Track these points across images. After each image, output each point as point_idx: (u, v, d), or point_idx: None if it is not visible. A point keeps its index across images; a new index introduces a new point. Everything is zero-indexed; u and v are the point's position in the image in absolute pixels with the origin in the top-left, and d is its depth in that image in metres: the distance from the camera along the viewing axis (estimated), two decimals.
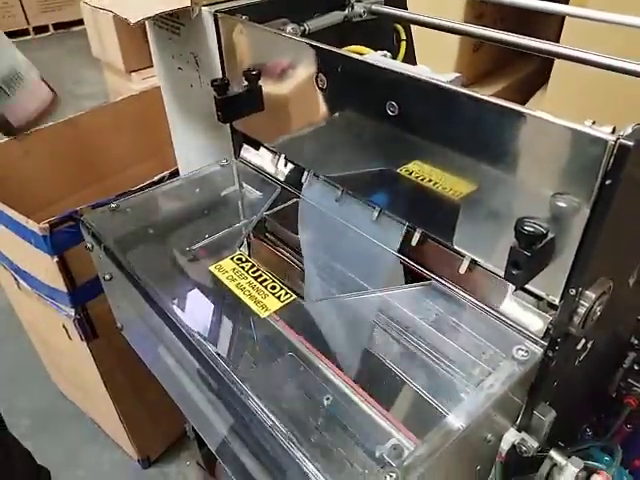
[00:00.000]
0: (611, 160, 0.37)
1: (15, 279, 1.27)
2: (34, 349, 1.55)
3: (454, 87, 0.45)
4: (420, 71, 0.49)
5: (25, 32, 4.39)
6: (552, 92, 1.49)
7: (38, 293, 1.19)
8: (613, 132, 0.37)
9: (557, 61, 1.45)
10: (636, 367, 0.72)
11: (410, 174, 0.56)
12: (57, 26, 4.47)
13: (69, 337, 1.21)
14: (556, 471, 0.55)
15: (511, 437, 0.51)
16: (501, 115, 0.43)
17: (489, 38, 0.69)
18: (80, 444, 1.49)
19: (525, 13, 1.56)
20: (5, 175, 1.29)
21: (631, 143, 0.35)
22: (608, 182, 0.37)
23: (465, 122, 0.46)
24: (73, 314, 1.13)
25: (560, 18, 1.39)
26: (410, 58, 0.83)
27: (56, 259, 1.04)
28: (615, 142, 0.36)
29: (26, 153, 1.32)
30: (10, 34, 4.30)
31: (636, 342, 0.73)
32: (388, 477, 0.36)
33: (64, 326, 1.20)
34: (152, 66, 0.90)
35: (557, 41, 1.23)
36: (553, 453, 0.54)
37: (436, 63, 0.64)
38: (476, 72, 1.91)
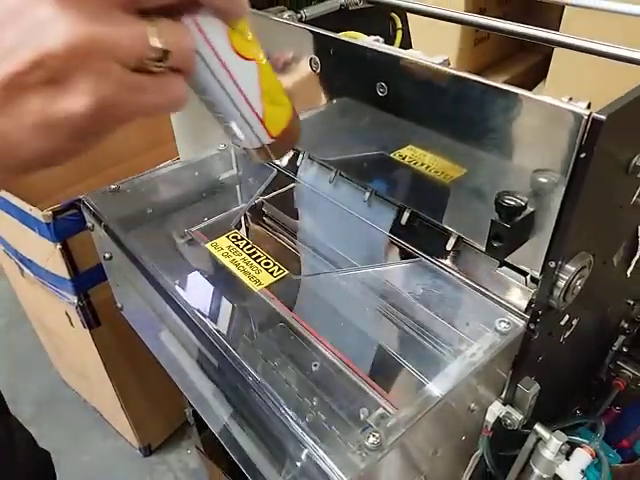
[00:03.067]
0: (585, 134, 0.38)
1: (19, 267, 1.28)
2: (37, 337, 1.57)
3: (434, 65, 0.47)
4: (409, 54, 0.51)
5: None
6: (551, 83, 1.50)
7: (41, 280, 1.20)
8: (588, 107, 0.39)
9: (555, 53, 1.46)
10: (625, 349, 0.74)
11: (403, 159, 0.57)
12: None
13: (71, 324, 1.23)
14: (541, 445, 0.56)
15: (496, 410, 0.53)
16: (483, 93, 0.44)
17: (487, 26, 0.69)
18: (82, 432, 1.51)
19: (528, 12, 1.56)
20: None
21: (603, 117, 0.37)
22: (582, 155, 0.39)
23: (448, 101, 0.48)
24: (75, 301, 1.14)
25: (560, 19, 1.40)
26: (406, 47, 0.84)
27: (59, 246, 1.06)
28: (589, 116, 0.38)
29: None
30: None
31: (626, 325, 0.75)
32: (371, 437, 0.38)
33: (67, 313, 1.21)
34: None
35: None
36: (537, 427, 0.56)
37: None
38: (476, 66, 1.92)
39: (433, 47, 0.96)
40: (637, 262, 0.62)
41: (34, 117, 0.26)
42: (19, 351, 1.71)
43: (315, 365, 0.45)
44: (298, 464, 0.40)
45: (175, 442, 1.50)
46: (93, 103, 0.26)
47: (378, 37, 0.59)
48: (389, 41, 0.82)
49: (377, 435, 0.38)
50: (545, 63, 1.58)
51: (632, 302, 0.73)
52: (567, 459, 0.55)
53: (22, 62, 0.25)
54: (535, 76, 1.79)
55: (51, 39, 0.24)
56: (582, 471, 0.55)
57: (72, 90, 0.26)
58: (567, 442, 0.55)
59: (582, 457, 0.55)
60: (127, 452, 1.47)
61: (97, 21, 0.25)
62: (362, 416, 0.41)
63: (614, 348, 0.74)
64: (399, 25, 0.82)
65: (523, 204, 0.41)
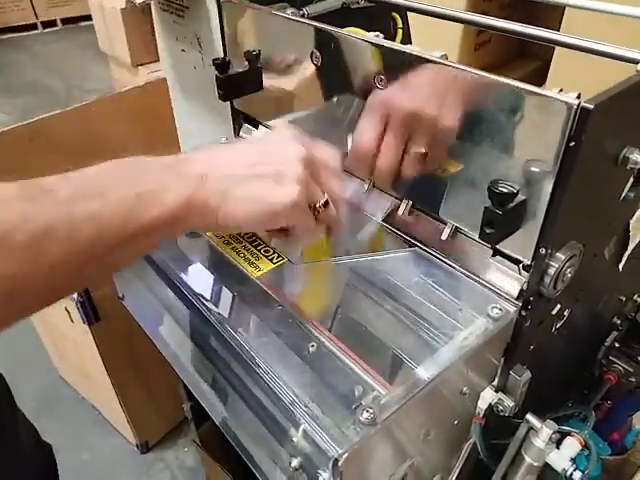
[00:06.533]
0: (574, 123, 0.40)
1: None
2: (37, 335, 1.58)
3: (430, 57, 0.48)
4: (407, 48, 0.52)
5: (33, 27, 4.44)
6: (551, 87, 1.52)
7: None
8: (578, 98, 0.40)
9: (555, 57, 1.48)
10: (617, 345, 0.75)
11: None
12: (65, 21, 4.52)
13: (71, 320, 1.23)
14: (532, 434, 0.58)
15: (488, 397, 0.54)
16: (476, 84, 0.46)
17: (488, 26, 0.70)
18: (80, 429, 1.51)
19: (530, 17, 1.58)
20: (11, 161, 1.32)
21: (591, 106, 0.39)
22: (572, 144, 0.41)
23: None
24: (75, 297, 1.15)
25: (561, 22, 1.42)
26: None
27: None
28: (577, 106, 0.39)
29: (31, 140, 1.35)
30: (18, 28, 4.37)
31: (618, 322, 0.76)
32: (365, 413, 0.39)
33: (66, 309, 1.22)
34: (158, 60, 0.93)
35: None
36: (529, 417, 0.57)
37: None
38: None
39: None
40: (629, 257, 0.63)
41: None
42: (18, 349, 1.71)
43: (312, 346, 0.46)
44: (294, 440, 0.41)
45: (172, 440, 1.50)
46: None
47: (378, 33, 0.61)
48: (390, 39, 0.83)
49: (371, 411, 0.39)
50: (544, 69, 1.60)
51: (624, 298, 0.74)
52: (557, 448, 0.56)
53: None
54: (535, 82, 1.81)
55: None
56: (572, 459, 0.57)
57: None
58: (557, 431, 0.56)
59: (572, 445, 0.56)
60: (124, 449, 1.48)
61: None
62: (357, 393, 0.42)
63: (606, 344, 0.75)
64: (400, 24, 0.83)
65: (515, 191, 0.42)
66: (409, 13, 0.85)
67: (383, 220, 0.61)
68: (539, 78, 1.77)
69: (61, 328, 1.34)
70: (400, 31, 0.84)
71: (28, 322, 1.54)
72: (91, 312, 1.17)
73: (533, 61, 2.09)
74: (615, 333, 0.76)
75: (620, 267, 0.64)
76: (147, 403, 1.38)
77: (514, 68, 2.09)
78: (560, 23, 1.43)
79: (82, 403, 1.57)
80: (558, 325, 0.58)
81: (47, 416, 1.53)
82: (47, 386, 1.62)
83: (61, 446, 1.41)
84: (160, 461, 1.48)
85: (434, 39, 1.13)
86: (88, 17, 2.86)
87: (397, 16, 0.84)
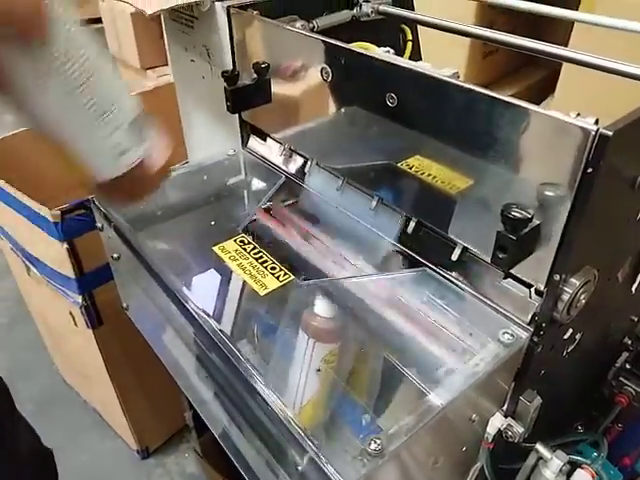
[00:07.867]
0: (592, 149, 0.39)
1: (25, 265, 1.29)
2: (39, 337, 1.58)
3: (443, 77, 0.47)
4: (419, 66, 0.52)
5: None
6: (559, 99, 1.50)
7: (47, 279, 1.21)
8: (596, 123, 0.39)
9: (564, 68, 1.47)
10: (628, 366, 0.74)
11: (410, 168, 0.58)
12: None
13: (75, 324, 1.23)
14: (541, 464, 0.56)
15: (497, 422, 0.53)
16: (492, 106, 0.45)
17: (496, 40, 0.70)
18: (81, 432, 1.51)
19: (537, 25, 1.57)
20: (20, 163, 1.32)
21: (610, 133, 0.38)
22: (589, 171, 0.40)
23: (457, 113, 0.49)
24: (80, 301, 1.15)
25: (569, 33, 1.41)
26: (416, 59, 0.85)
27: (66, 245, 1.07)
28: (596, 132, 0.38)
29: (39, 142, 1.35)
30: None
31: (629, 342, 0.75)
32: (373, 443, 0.38)
33: (71, 313, 1.22)
34: (167, 64, 0.93)
35: None
36: (539, 446, 0.56)
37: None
38: (485, 79, 1.94)
39: (442, 60, 0.97)
40: None
41: None
42: (20, 350, 1.71)
43: (318, 370, 0.45)
44: (299, 468, 0.40)
45: (173, 446, 1.50)
46: None
47: (389, 48, 0.60)
48: (399, 53, 0.82)
49: (379, 442, 0.38)
50: (553, 78, 1.59)
51: (636, 318, 0.73)
52: None
53: None
54: (543, 90, 1.80)
55: None
56: None
57: None
58: (568, 462, 0.55)
59: (583, 478, 0.55)
60: (125, 454, 1.47)
61: None
62: (364, 422, 0.41)
63: (617, 364, 0.74)
64: (409, 37, 0.83)
65: (529, 217, 0.41)
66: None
67: (391, 237, 0.60)
68: (547, 86, 1.75)
69: (64, 332, 1.34)
70: (409, 44, 0.83)
71: (31, 325, 1.55)
72: (95, 316, 1.17)
73: (541, 69, 2.07)
74: (626, 354, 0.75)
75: (633, 289, 0.62)
76: (149, 408, 1.38)
77: (522, 76, 2.08)
78: (570, 31, 1.41)
79: (84, 406, 1.56)
80: (569, 349, 0.57)
81: (48, 418, 1.53)
82: (49, 388, 1.62)
83: (62, 449, 1.40)
84: (160, 467, 1.47)
85: (442, 48, 1.12)
86: (98, 20, 2.87)
87: (407, 28, 0.83)
